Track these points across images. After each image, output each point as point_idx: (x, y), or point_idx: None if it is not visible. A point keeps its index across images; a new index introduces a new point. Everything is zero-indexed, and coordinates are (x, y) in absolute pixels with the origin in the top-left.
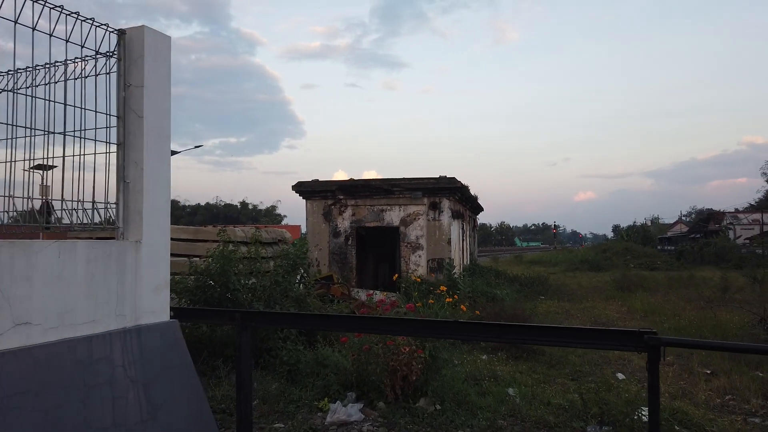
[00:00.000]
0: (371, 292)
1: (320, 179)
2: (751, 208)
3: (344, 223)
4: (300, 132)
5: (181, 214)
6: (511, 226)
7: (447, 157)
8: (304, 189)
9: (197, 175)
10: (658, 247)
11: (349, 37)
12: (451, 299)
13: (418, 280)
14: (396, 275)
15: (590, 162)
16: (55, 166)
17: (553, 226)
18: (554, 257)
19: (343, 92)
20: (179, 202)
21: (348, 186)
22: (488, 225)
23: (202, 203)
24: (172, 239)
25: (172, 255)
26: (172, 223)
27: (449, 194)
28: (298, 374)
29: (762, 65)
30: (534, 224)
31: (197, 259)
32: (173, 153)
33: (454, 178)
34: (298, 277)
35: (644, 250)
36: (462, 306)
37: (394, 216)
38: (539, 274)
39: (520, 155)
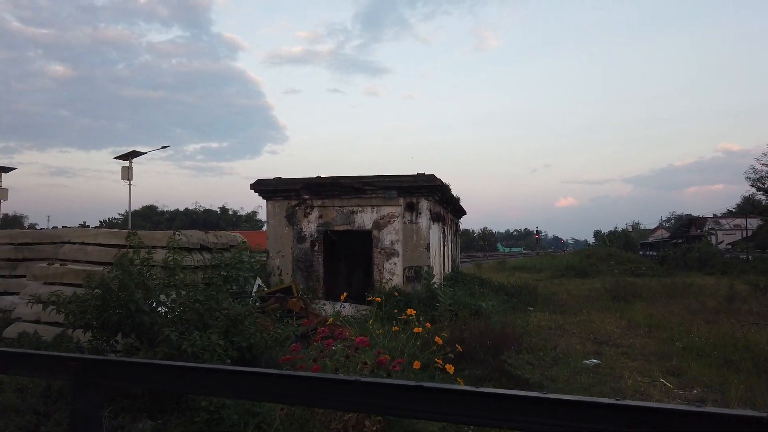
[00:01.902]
0: (318, 315)
1: (283, 177)
2: (731, 214)
3: (310, 226)
4: (282, 137)
5: (159, 219)
6: (494, 231)
7: (430, 161)
8: (265, 188)
9: (177, 180)
10: (641, 253)
11: (331, 43)
12: (421, 329)
13: (379, 300)
14: (345, 294)
15: (571, 168)
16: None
17: (535, 232)
18: (538, 263)
19: (326, 98)
20: (157, 207)
21: (314, 184)
22: (471, 230)
23: (181, 209)
24: (98, 245)
25: (98, 264)
26: (149, 229)
27: (428, 194)
28: (221, 424)
29: (738, 74)
30: (516, 230)
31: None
32: (138, 154)
33: (433, 175)
34: (254, 289)
35: (627, 255)
36: (437, 338)
37: (366, 218)
38: (526, 282)
39: (502, 161)
